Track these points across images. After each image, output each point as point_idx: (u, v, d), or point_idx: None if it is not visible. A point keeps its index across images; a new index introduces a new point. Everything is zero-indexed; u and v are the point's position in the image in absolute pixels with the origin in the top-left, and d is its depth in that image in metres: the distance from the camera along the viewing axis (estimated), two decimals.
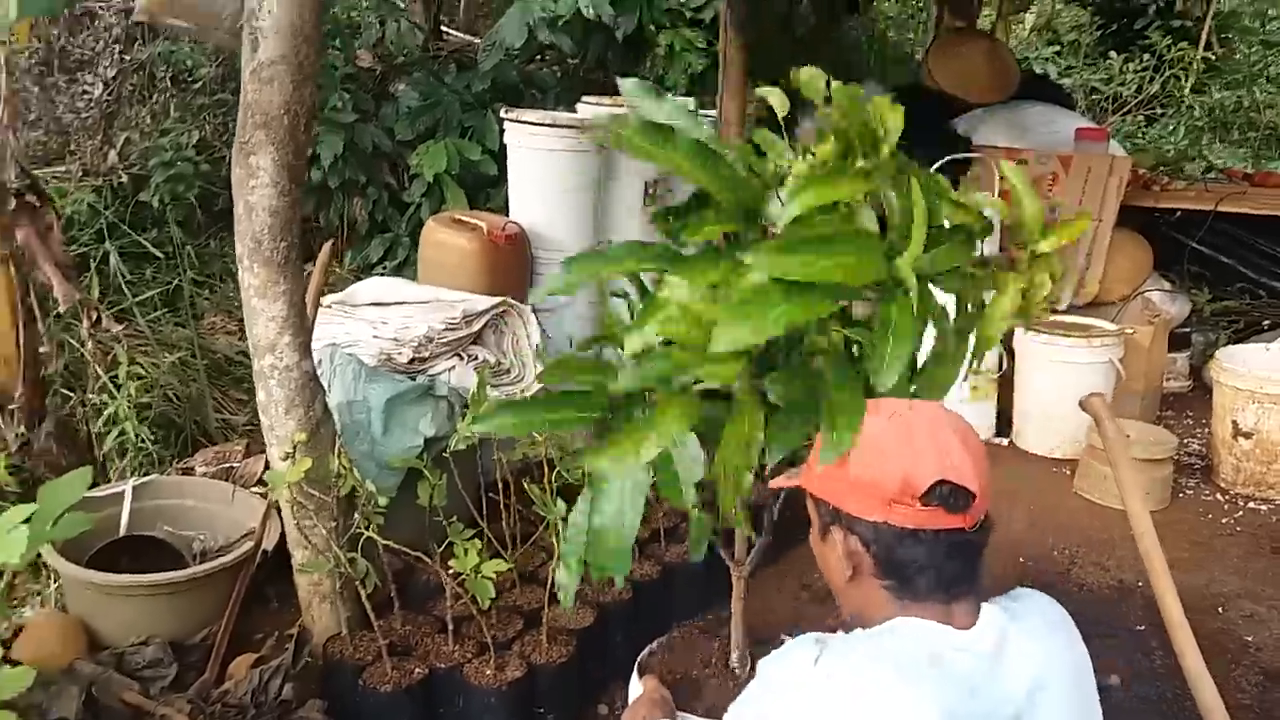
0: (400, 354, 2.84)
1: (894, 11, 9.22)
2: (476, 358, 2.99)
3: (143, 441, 3.01)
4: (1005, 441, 4.00)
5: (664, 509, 2.75)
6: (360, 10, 5.46)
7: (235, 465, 2.97)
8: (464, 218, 3.69)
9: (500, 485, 2.60)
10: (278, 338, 2.19)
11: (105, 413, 3.00)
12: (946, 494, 1.13)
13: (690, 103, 3.01)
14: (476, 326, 3.04)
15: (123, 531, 2.59)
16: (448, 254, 3.55)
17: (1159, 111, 8.34)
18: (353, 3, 5.45)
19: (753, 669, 1.63)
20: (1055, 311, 4.27)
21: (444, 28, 6.00)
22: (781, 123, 1.44)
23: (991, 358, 3.89)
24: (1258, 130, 8.20)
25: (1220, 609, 2.82)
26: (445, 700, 2.17)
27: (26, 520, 1.78)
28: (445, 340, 2.93)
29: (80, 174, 4.45)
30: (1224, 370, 3.62)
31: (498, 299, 3.15)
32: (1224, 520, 3.41)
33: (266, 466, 2.41)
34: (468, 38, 6.04)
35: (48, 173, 4.41)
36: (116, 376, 3.01)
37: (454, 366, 2.92)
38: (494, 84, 4.94)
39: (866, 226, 1.30)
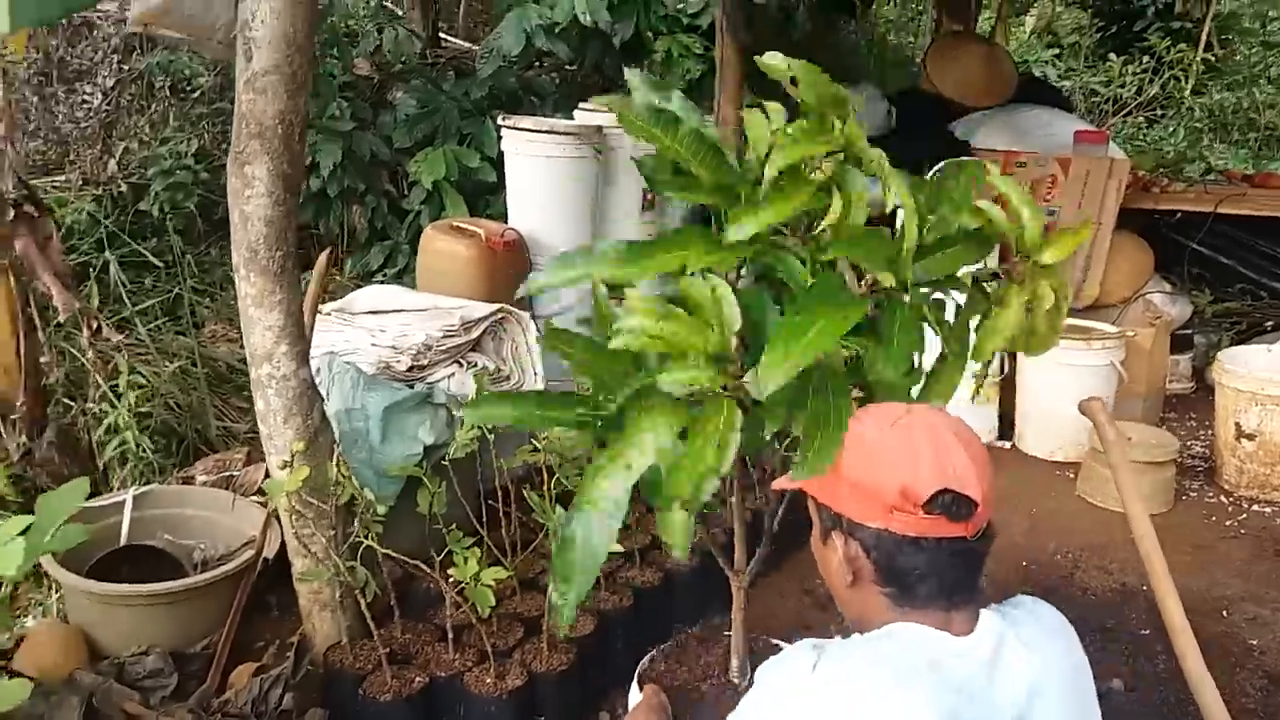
0: (399, 362, 2.84)
1: (894, 15, 9.23)
2: (475, 365, 2.99)
3: (143, 450, 3.01)
4: (1008, 444, 3.99)
5: None
6: (358, 19, 5.47)
7: (236, 473, 2.97)
8: (462, 225, 3.70)
9: (500, 493, 2.60)
10: (275, 347, 2.19)
11: (106, 421, 3.00)
12: (949, 502, 1.13)
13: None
14: (475, 334, 3.03)
15: (123, 541, 2.59)
16: (446, 261, 3.56)
17: (1159, 113, 8.34)
18: (351, 11, 5.46)
19: (752, 678, 1.63)
20: None
21: (442, 35, 6.01)
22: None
23: (994, 361, 3.89)
24: (1258, 131, 8.19)
25: (1224, 612, 2.81)
26: (446, 709, 2.16)
27: (23, 532, 1.78)
28: (444, 348, 2.93)
29: (80, 183, 4.46)
30: (1226, 372, 3.61)
31: (496, 306, 3.15)
32: (1227, 523, 3.39)
33: (266, 475, 2.41)
34: (466, 45, 6.05)
35: (47, 182, 4.42)
36: (117, 385, 3.01)
37: (453, 374, 2.91)
38: (492, 91, 4.94)
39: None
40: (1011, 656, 1.16)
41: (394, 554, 2.18)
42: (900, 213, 1.35)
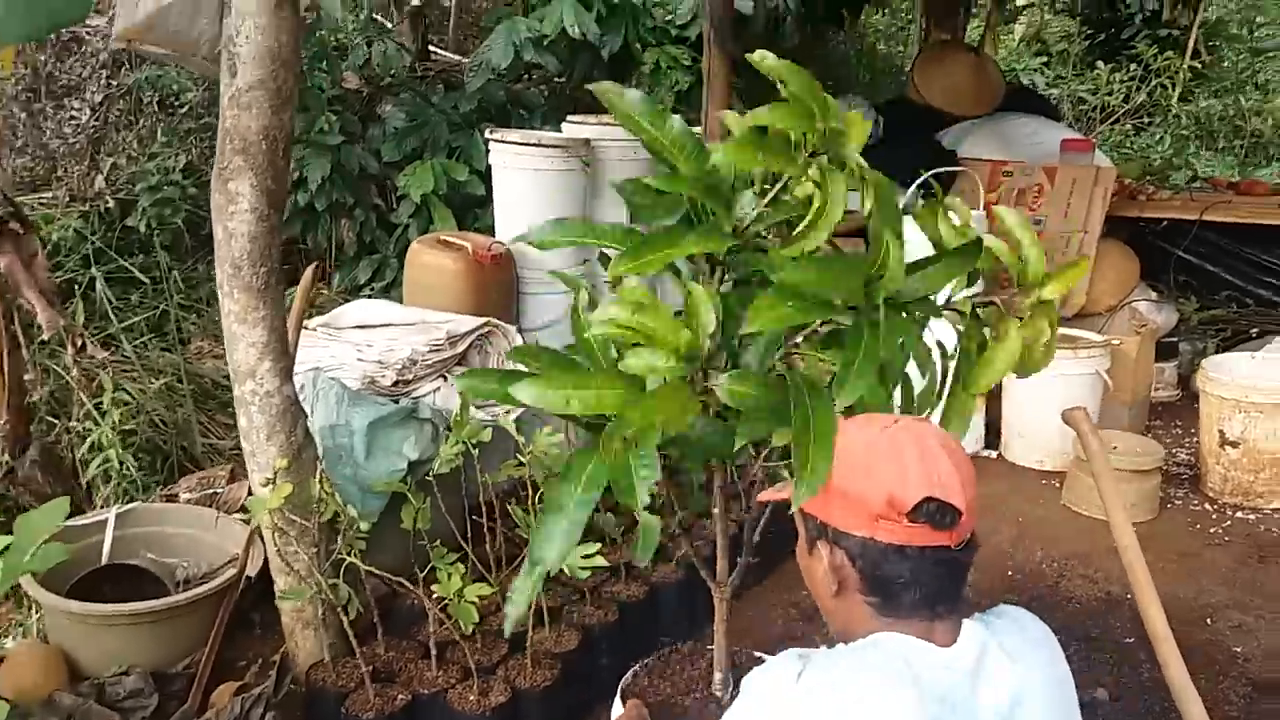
0: (384, 376, 2.84)
1: (883, 24, 9.28)
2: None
3: (127, 468, 3.00)
4: (994, 454, 4.00)
5: None
6: (348, 32, 5.48)
7: (220, 491, 2.96)
8: (450, 238, 3.70)
9: (485, 508, 2.59)
10: (258, 363, 2.19)
11: (89, 439, 3.00)
12: (933, 511, 1.14)
13: None
14: (461, 348, 3.04)
15: (105, 560, 2.57)
16: (433, 275, 3.56)
17: (1146, 121, 8.38)
18: (340, 25, 5.47)
19: (735, 691, 1.62)
20: None
21: (432, 48, 6.02)
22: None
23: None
24: (1244, 138, 8.24)
25: (1209, 620, 2.81)
26: None
27: (3, 551, 1.77)
28: (429, 362, 2.93)
29: (67, 199, 4.45)
30: (1210, 379, 3.62)
31: (482, 319, 3.15)
32: (1212, 530, 3.40)
33: (250, 492, 2.40)
34: (455, 58, 6.06)
35: (34, 198, 4.41)
36: (101, 403, 3.00)
37: (438, 388, 2.91)
38: (481, 104, 4.95)
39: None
40: (994, 666, 1.17)
41: (377, 571, 2.18)
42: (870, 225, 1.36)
